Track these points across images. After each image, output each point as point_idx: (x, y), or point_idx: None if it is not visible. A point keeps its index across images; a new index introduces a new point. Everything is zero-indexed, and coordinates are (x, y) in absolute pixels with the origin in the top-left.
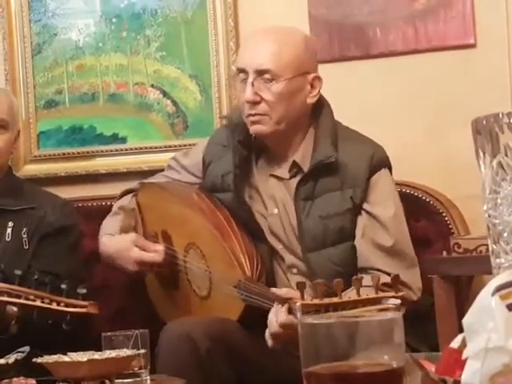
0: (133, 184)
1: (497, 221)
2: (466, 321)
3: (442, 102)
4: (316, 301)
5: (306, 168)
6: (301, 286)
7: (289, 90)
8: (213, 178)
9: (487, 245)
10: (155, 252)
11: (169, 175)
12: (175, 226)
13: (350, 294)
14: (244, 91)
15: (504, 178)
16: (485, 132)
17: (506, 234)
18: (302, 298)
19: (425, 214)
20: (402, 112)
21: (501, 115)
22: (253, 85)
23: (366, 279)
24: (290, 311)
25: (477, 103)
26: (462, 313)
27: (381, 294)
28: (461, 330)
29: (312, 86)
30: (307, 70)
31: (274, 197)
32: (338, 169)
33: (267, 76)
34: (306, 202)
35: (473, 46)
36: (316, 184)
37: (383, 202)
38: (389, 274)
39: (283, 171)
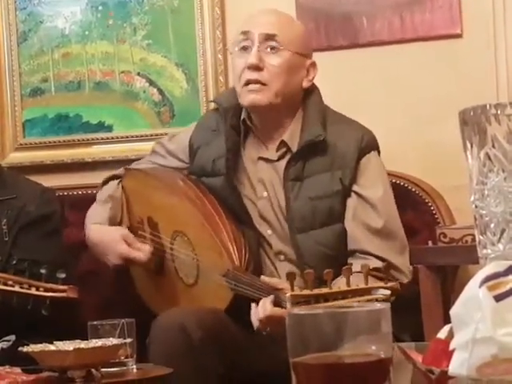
0: None
1: (484, 212)
2: (453, 312)
3: (428, 92)
4: (306, 291)
5: (294, 148)
6: (291, 277)
7: (290, 64)
8: (203, 162)
9: (473, 234)
10: (142, 251)
11: (154, 160)
12: (161, 213)
13: (340, 284)
14: (243, 59)
15: (491, 169)
16: (472, 123)
17: (492, 225)
18: (292, 288)
19: (410, 204)
20: (387, 101)
21: (488, 106)
22: (258, 50)
23: (356, 265)
24: (276, 303)
25: (463, 93)
26: (447, 302)
27: (370, 285)
28: (446, 320)
29: (308, 71)
30: (306, 54)
31: (263, 180)
32: (326, 149)
33: (272, 43)
34: (294, 183)
35: (459, 35)
36: (305, 165)
37: (373, 184)
38: (379, 257)
39: (271, 153)
